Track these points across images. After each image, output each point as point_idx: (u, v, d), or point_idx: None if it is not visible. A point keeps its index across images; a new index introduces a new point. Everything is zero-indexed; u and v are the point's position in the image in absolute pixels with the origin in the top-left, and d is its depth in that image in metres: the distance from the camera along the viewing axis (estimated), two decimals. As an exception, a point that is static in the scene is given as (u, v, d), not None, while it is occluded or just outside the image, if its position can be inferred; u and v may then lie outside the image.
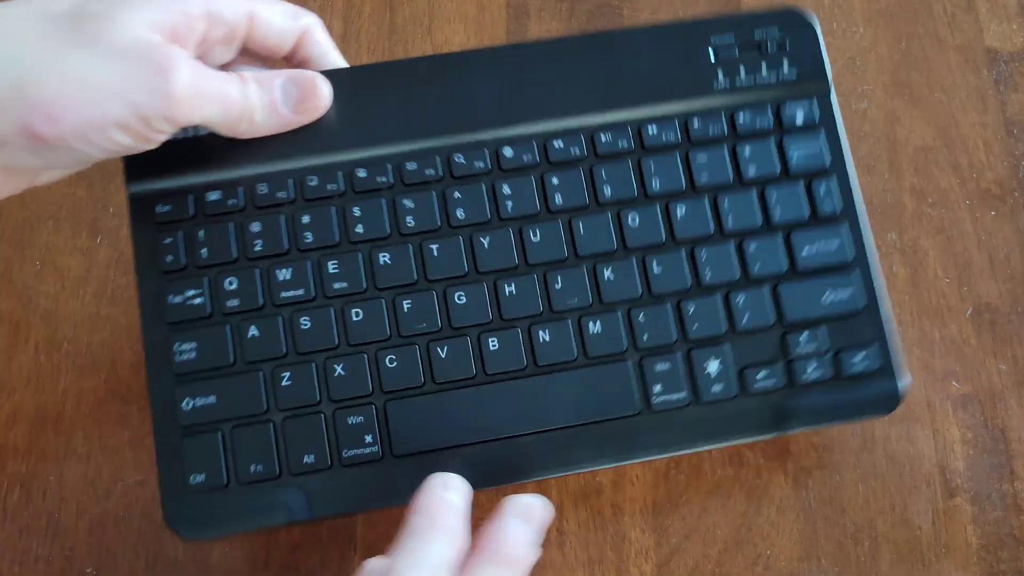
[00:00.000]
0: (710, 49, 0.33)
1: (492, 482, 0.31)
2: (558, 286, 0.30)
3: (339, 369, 0.31)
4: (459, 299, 0.30)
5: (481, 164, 0.32)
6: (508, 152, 0.32)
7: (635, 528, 0.39)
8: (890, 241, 0.45)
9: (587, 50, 0.33)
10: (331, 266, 0.31)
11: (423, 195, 0.32)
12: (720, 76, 0.33)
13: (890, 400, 0.32)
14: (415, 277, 0.30)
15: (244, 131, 0.33)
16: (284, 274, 0.31)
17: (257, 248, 0.32)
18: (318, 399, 0.31)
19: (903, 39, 0.50)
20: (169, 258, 0.32)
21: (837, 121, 0.33)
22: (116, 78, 0.28)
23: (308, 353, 0.31)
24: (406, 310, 0.30)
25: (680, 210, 0.32)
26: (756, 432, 0.32)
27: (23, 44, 0.28)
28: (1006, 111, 0.49)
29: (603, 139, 0.32)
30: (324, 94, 0.34)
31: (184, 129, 0.33)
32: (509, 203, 0.31)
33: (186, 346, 0.31)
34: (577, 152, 0.32)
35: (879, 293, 0.33)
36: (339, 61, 0.36)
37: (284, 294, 0.31)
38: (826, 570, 0.39)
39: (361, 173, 0.32)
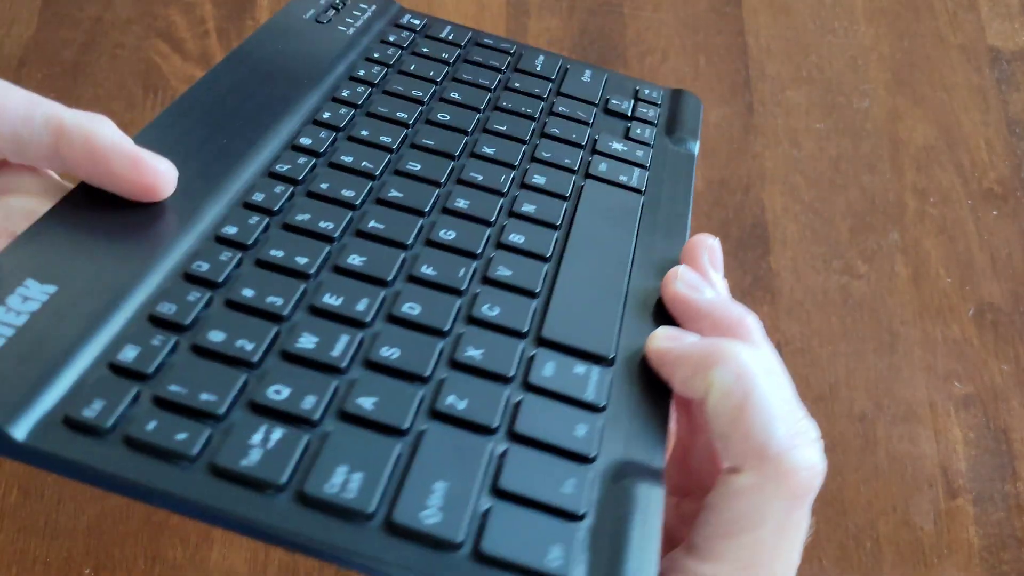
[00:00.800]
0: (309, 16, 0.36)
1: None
2: (480, 178, 0.30)
3: (475, 356, 0.24)
4: (446, 235, 0.28)
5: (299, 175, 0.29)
6: (305, 140, 0.30)
7: (636, 529, 0.39)
8: (892, 241, 0.45)
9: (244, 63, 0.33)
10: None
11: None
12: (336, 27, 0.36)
13: None
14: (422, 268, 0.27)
15: None
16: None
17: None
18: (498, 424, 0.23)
19: (905, 38, 0.50)
20: (181, 436, 0.20)
21: None
22: None
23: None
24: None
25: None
26: None
27: None
28: (1008, 110, 0.48)
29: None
30: None
31: None
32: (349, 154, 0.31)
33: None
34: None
35: None
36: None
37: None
38: (828, 571, 0.39)
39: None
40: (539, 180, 0.31)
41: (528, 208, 0.30)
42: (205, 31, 0.49)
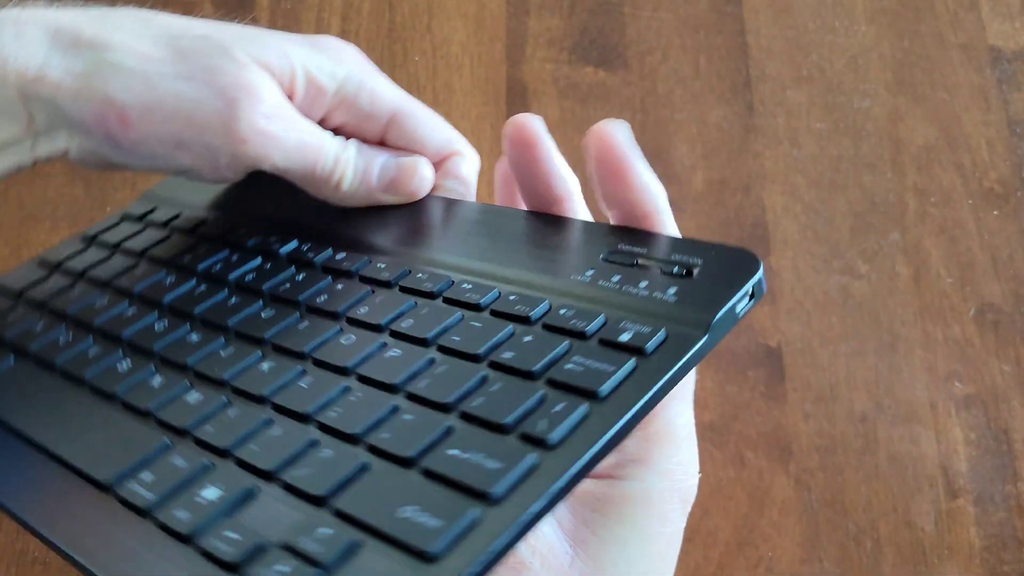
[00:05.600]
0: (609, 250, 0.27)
1: None
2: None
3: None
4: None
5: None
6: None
7: (636, 530, 0.39)
8: (893, 241, 0.45)
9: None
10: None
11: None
12: (590, 271, 0.26)
13: None
14: None
15: (329, 194, 0.32)
16: None
17: None
18: None
19: (905, 37, 0.50)
20: None
21: (671, 369, 0.21)
22: (189, 101, 0.28)
23: None
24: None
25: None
26: None
27: (129, 49, 0.29)
28: (1009, 110, 0.48)
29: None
30: (424, 176, 0.32)
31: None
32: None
33: None
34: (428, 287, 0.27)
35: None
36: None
37: None
38: (828, 572, 0.39)
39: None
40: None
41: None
42: (204, 31, 0.49)
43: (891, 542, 0.39)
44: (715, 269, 0.24)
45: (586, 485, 0.25)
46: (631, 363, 0.22)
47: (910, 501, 0.40)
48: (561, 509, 0.25)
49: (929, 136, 0.48)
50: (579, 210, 0.29)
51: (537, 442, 0.20)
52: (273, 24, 0.49)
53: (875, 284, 0.44)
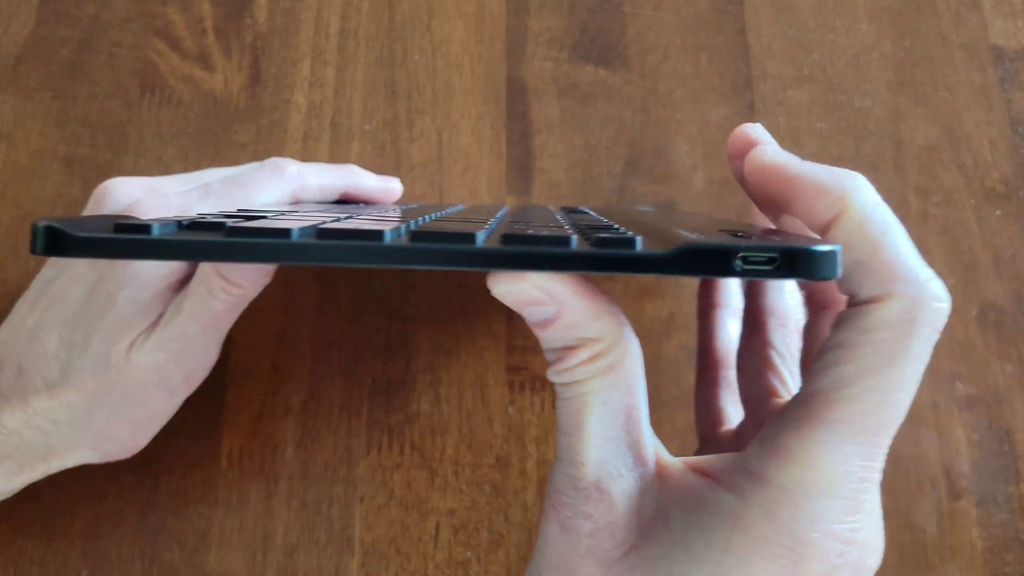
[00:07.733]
0: None
1: None
2: None
3: None
4: None
5: None
6: None
7: (636, 531, 0.38)
8: (894, 240, 0.45)
9: None
10: None
11: None
12: None
13: None
14: None
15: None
16: None
17: None
18: None
19: (907, 36, 0.50)
20: None
21: (589, 255, 0.20)
22: (147, 409, 0.34)
23: None
24: None
25: None
26: None
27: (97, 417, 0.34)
28: (1011, 109, 0.48)
29: None
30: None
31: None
32: None
33: None
34: None
35: None
36: None
37: None
38: (830, 574, 0.38)
39: None
40: None
41: None
42: (203, 30, 0.49)
43: (892, 543, 0.39)
44: (792, 245, 0.19)
45: (691, 480, 0.22)
46: (569, 238, 0.19)
47: (912, 502, 0.40)
48: (650, 497, 0.22)
49: (931, 136, 0.48)
50: None
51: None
52: (272, 23, 0.49)
53: (877, 284, 0.44)
